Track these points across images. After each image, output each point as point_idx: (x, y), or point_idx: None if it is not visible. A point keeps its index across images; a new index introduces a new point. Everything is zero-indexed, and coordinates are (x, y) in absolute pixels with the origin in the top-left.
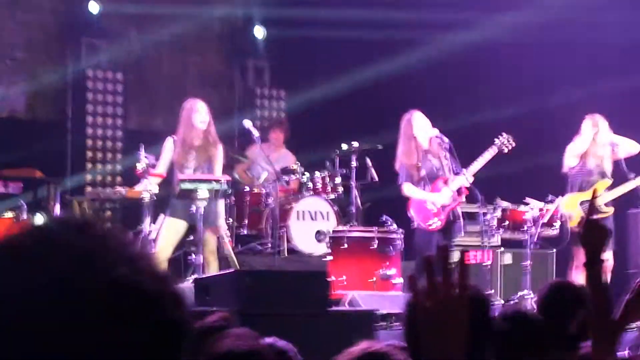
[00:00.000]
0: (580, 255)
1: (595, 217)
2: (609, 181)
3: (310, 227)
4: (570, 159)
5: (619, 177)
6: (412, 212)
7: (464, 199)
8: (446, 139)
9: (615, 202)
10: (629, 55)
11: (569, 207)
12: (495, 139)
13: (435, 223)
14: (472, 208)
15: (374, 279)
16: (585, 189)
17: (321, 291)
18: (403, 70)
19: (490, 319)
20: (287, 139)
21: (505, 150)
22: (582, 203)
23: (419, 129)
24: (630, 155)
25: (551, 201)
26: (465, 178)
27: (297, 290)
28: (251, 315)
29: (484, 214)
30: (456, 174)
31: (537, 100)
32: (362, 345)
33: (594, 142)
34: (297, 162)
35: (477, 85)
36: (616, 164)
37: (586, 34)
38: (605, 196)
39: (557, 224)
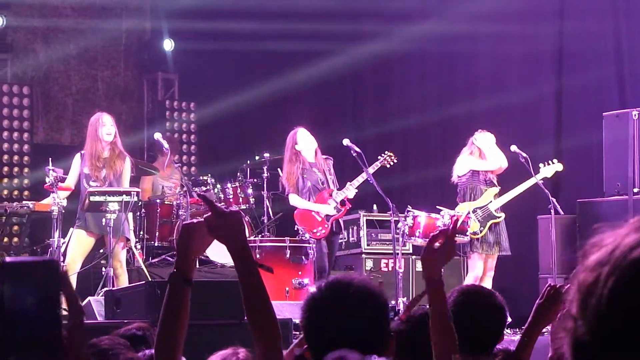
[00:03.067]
0: (475, 262)
1: (435, 243)
2: (496, 189)
3: None
4: (458, 170)
5: (518, 178)
6: (298, 223)
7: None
8: (356, 149)
9: (525, 208)
10: (530, 67)
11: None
12: (379, 156)
13: (320, 231)
14: (384, 216)
15: (288, 288)
16: (475, 198)
17: (236, 301)
18: (312, 81)
19: (387, 319)
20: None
21: (387, 166)
22: (474, 211)
23: (303, 144)
24: (501, 170)
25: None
26: (350, 191)
27: (211, 300)
28: None
29: (396, 222)
30: (339, 188)
31: (444, 110)
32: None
33: (482, 155)
34: (208, 174)
35: (386, 96)
36: (521, 164)
37: (489, 46)
38: (496, 202)
39: (470, 231)
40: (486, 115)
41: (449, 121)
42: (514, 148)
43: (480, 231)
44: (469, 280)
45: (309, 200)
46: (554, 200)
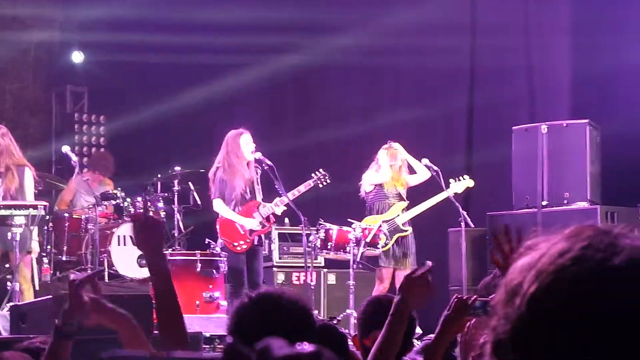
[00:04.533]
0: (381, 277)
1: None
2: (404, 203)
3: (131, 252)
4: (366, 185)
5: (429, 192)
6: (219, 233)
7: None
8: (268, 162)
9: (436, 221)
10: (445, 81)
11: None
12: (313, 174)
13: (241, 245)
14: (296, 229)
15: (198, 302)
16: (383, 211)
17: (146, 315)
18: (228, 94)
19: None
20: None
21: (320, 186)
22: (381, 226)
23: (245, 150)
24: (421, 182)
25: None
26: (278, 206)
27: None
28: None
29: (307, 235)
30: (280, 196)
31: (363, 123)
32: None
33: (390, 171)
34: (119, 188)
35: (306, 108)
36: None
37: (411, 59)
38: (404, 216)
39: (381, 244)
40: (403, 128)
41: (367, 134)
42: (425, 161)
43: (387, 244)
44: (375, 293)
45: (234, 210)
46: (465, 213)
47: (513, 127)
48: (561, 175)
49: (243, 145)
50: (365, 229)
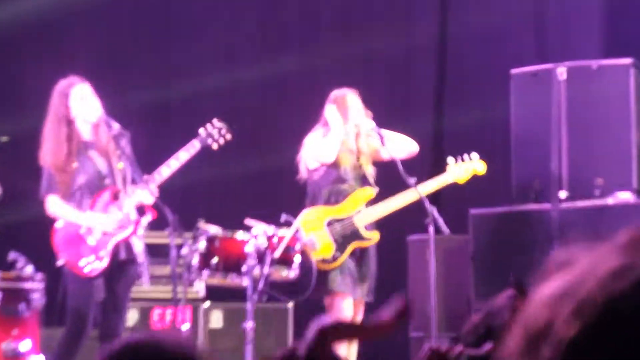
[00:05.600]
0: (337, 309)
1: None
2: (371, 190)
3: None
4: (309, 160)
5: (391, 184)
6: (57, 250)
7: (144, 224)
8: (116, 125)
9: (387, 223)
10: None
11: (312, 228)
12: (201, 129)
13: (93, 264)
14: (159, 237)
15: None
16: (336, 202)
17: None
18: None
19: None
20: None
21: (215, 147)
22: (330, 223)
23: (81, 105)
24: (407, 155)
25: (287, 223)
26: (150, 190)
27: None
28: None
29: (179, 247)
30: (135, 182)
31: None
32: None
33: (347, 133)
34: None
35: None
36: (389, 164)
37: None
38: (368, 214)
39: (297, 260)
40: (348, 68)
41: (308, 75)
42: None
43: (335, 258)
44: None
45: (80, 206)
46: (434, 211)
47: (512, 71)
48: (590, 149)
49: (77, 98)
50: (273, 235)
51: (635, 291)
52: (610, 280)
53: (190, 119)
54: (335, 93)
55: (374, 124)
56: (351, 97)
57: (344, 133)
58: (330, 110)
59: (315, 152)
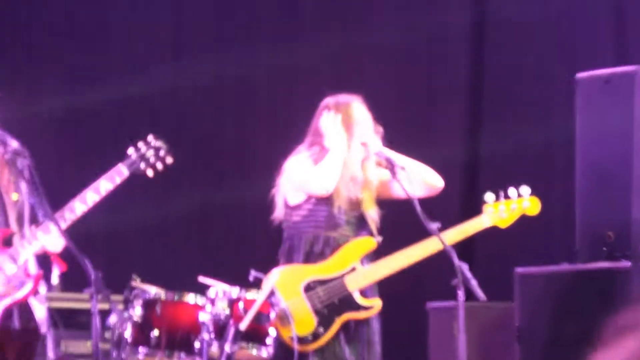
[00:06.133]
0: None
1: None
2: (372, 240)
3: None
4: (293, 191)
5: (402, 231)
6: None
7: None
8: (14, 143)
9: (394, 287)
10: None
11: (287, 293)
12: (130, 149)
13: None
14: (75, 300)
15: None
16: (321, 255)
17: None
18: None
19: None
20: None
21: (151, 173)
22: (310, 286)
23: None
24: (428, 192)
25: (256, 282)
26: (60, 233)
27: None
28: None
29: (104, 315)
30: (37, 221)
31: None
32: None
33: (351, 155)
34: None
35: None
36: (400, 204)
37: None
38: (366, 274)
39: (272, 335)
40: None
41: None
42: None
43: (319, 334)
44: None
45: None
46: (466, 268)
47: (577, 75)
48: None
49: None
50: (238, 299)
51: None
52: None
53: (119, 132)
54: (335, 99)
55: (381, 146)
56: (357, 107)
57: (347, 155)
58: (328, 121)
59: (301, 180)
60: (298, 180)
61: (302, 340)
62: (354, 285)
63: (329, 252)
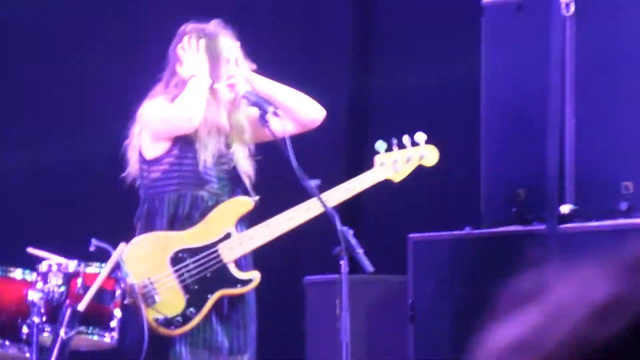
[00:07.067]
0: None
1: None
2: (248, 201)
3: None
4: (148, 142)
5: (277, 188)
6: None
7: None
8: None
9: (270, 256)
10: None
11: (146, 266)
12: None
13: None
14: None
15: None
16: (188, 220)
17: None
18: None
19: None
20: None
21: None
22: (178, 257)
23: None
24: (304, 124)
25: (100, 254)
26: None
27: None
28: None
29: None
30: None
31: None
32: None
33: (214, 96)
34: None
35: None
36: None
37: None
38: (242, 241)
39: (118, 316)
40: None
41: None
42: None
43: (190, 315)
44: None
45: None
46: (349, 234)
47: (483, 1)
48: (615, 132)
49: None
50: (76, 274)
51: (634, 336)
52: (597, 320)
53: None
54: (197, 27)
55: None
56: (225, 40)
57: (210, 97)
58: (187, 46)
59: (161, 118)
60: (157, 120)
61: (169, 323)
62: (229, 255)
63: (198, 215)
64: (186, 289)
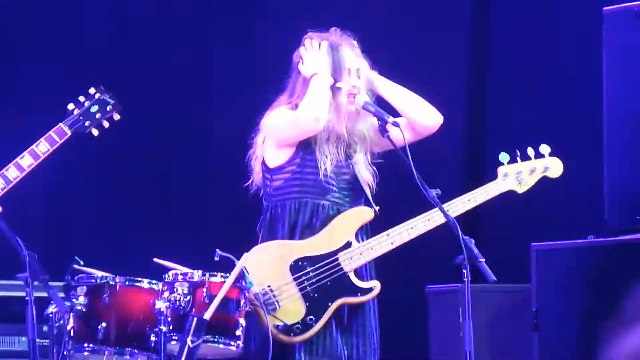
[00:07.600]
0: None
1: None
2: (369, 210)
3: None
4: (272, 151)
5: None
6: None
7: None
8: None
9: (392, 266)
10: None
11: (267, 275)
12: (71, 105)
13: None
14: (4, 288)
15: None
16: (309, 228)
17: None
18: None
19: None
20: None
21: (96, 133)
22: (298, 266)
23: None
24: (422, 130)
25: (224, 264)
26: None
27: None
28: None
29: (41, 305)
30: None
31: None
32: None
33: (338, 104)
34: None
35: None
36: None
37: None
38: (363, 251)
39: (243, 325)
40: None
41: None
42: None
43: (309, 323)
44: None
45: None
46: (471, 242)
47: (605, 9)
48: None
49: None
50: (201, 284)
51: None
52: None
53: (57, 87)
54: (320, 35)
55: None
56: (347, 50)
57: (331, 108)
58: (309, 49)
59: (286, 122)
60: (284, 124)
61: (289, 331)
62: (349, 264)
63: (318, 224)
64: (306, 297)
